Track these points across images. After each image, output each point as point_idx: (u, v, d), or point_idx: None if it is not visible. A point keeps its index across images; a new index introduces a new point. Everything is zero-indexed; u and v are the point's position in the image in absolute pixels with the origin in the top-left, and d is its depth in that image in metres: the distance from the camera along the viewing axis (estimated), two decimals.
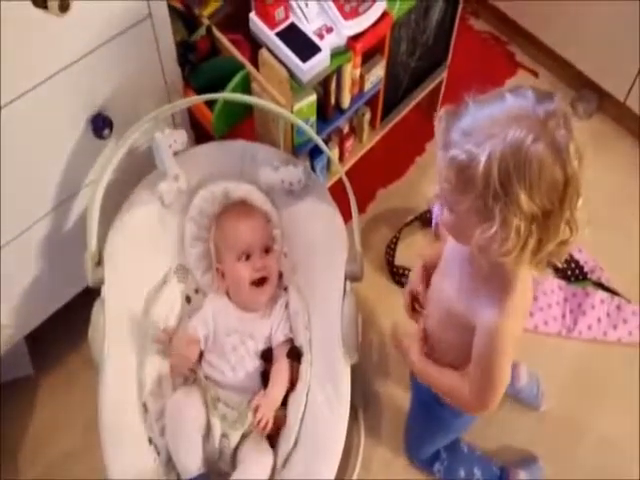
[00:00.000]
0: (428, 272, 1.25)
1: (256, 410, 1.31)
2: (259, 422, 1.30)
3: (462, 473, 1.54)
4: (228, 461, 1.33)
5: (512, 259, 0.90)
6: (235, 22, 1.47)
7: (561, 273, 1.83)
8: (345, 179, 1.36)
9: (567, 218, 0.89)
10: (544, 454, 1.62)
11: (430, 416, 1.40)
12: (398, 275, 1.81)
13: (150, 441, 1.31)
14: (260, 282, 1.42)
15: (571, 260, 1.82)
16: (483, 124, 0.87)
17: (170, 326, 1.43)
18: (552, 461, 1.61)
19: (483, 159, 0.85)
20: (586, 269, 1.83)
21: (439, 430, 1.45)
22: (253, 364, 1.40)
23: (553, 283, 1.82)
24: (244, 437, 1.33)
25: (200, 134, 1.56)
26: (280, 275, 1.50)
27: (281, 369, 1.37)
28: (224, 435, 1.32)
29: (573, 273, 1.82)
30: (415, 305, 1.28)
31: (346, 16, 1.35)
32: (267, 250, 1.44)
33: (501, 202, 0.86)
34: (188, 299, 1.49)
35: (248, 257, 1.42)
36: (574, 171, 0.86)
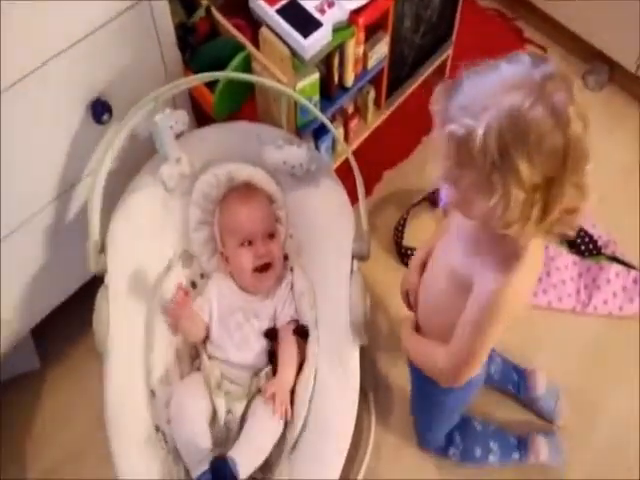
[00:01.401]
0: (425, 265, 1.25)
1: (273, 398, 1.29)
2: (279, 408, 1.28)
3: (478, 451, 1.52)
4: (236, 437, 1.31)
5: (515, 230, 0.88)
6: (235, 7, 1.45)
7: (575, 248, 1.80)
8: (351, 157, 1.33)
9: (574, 183, 0.87)
10: (561, 430, 1.59)
11: (427, 399, 1.40)
12: (407, 256, 1.78)
13: (157, 429, 1.29)
14: (263, 268, 1.41)
15: (585, 235, 1.79)
16: (479, 96, 0.86)
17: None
18: (569, 437, 1.58)
19: (480, 131, 0.83)
20: (600, 243, 1.79)
21: (438, 411, 1.43)
22: (258, 342, 1.38)
23: (567, 259, 1.79)
24: (248, 404, 1.32)
25: (201, 118, 1.54)
26: (286, 257, 1.48)
27: (289, 349, 1.35)
28: (229, 411, 1.31)
29: (587, 248, 1.79)
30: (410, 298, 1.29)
31: None
32: (270, 235, 1.42)
33: (501, 173, 0.84)
34: (194, 284, 1.48)
35: (251, 243, 1.40)
36: (576, 135, 0.84)
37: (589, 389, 1.65)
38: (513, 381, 1.61)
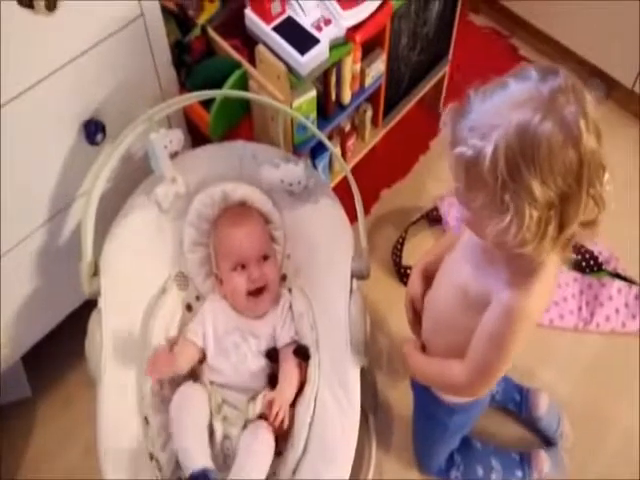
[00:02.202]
0: (428, 275, 1.24)
1: (271, 404, 1.25)
2: (275, 417, 1.25)
3: (480, 471, 1.49)
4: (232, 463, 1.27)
5: (531, 249, 0.86)
6: (232, 28, 1.45)
7: (576, 265, 1.78)
8: (349, 174, 1.32)
9: (592, 195, 0.85)
10: (567, 449, 1.57)
11: (430, 422, 1.38)
12: (406, 276, 1.76)
13: (151, 457, 1.25)
14: (258, 292, 1.38)
15: (585, 251, 1.77)
16: (486, 116, 0.85)
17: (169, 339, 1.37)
18: (575, 456, 1.56)
19: (489, 151, 0.82)
20: (601, 259, 1.78)
21: (441, 434, 1.41)
22: (257, 363, 1.35)
23: (568, 275, 1.78)
24: (243, 428, 1.29)
25: (196, 138, 1.52)
26: (284, 277, 1.46)
27: (290, 370, 1.32)
28: (226, 437, 1.28)
29: (588, 264, 1.77)
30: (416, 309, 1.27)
31: (344, 6, 1.32)
32: (265, 257, 1.39)
33: (512, 192, 0.82)
34: (189, 307, 1.45)
35: (244, 267, 1.38)
36: (590, 149, 0.82)
37: (593, 406, 1.63)
38: (515, 400, 1.59)
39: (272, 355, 1.35)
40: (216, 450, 1.28)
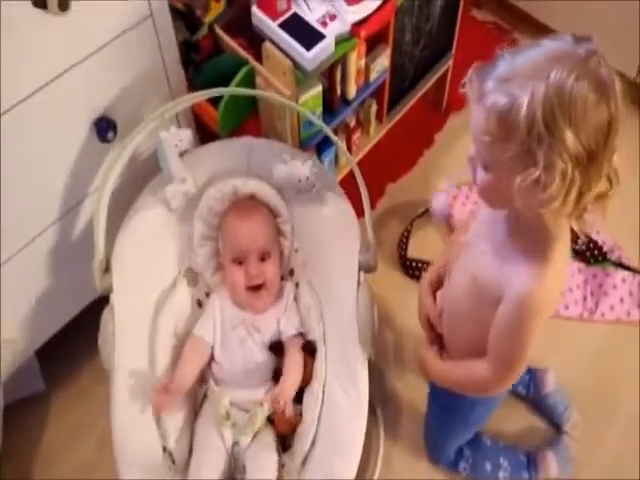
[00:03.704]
0: (437, 283, 1.25)
1: (276, 402, 1.26)
2: (283, 412, 1.26)
3: (488, 467, 1.51)
4: (242, 468, 1.29)
5: (555, 208, 0.87)
6: (238, 27, 1.47)
7: (580, 255, 1.80)
8: (355, 167, 1.33)
9: (606, 167, 0.87)
10: (575, 438, 1.58)
11: (450, 414, 1.38)
12: (411, 268, 1.78)
13: (164, 449, 1.27)
14: (256, 287, 1.39)
15: (589, 241, 1.79)
16: (522, 67, 0.86)
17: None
18: (581, 444, 1.57)
19: (526, 100, 0.83)
20: (605, 249, 1.79)
21: (461, 426, 1.43)
22: (262, 357, 1.36)
23: (573, 266, 1.79)
24: (253, 438, 1.31)
25: (204, 135, 1.54)
26: (291, 271, 1.47)
27: (294, 361, 1.33)
28: (235, 443, 1.29)
29: (592, 254, 1.79)
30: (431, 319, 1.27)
31: (349, 2, 1.34)
32: (266, 256, 1.39)
33: (545, 144, 0.83)
34: (199, 303, 1.46)
35: (244, 262, 1.39)
36: (618, 111, 0.84)
37: (598, 396, 1.64)
38: (524, 381, 1.60)
39: (276, 348, 1.36)
40: (226, 461, 1.29)
